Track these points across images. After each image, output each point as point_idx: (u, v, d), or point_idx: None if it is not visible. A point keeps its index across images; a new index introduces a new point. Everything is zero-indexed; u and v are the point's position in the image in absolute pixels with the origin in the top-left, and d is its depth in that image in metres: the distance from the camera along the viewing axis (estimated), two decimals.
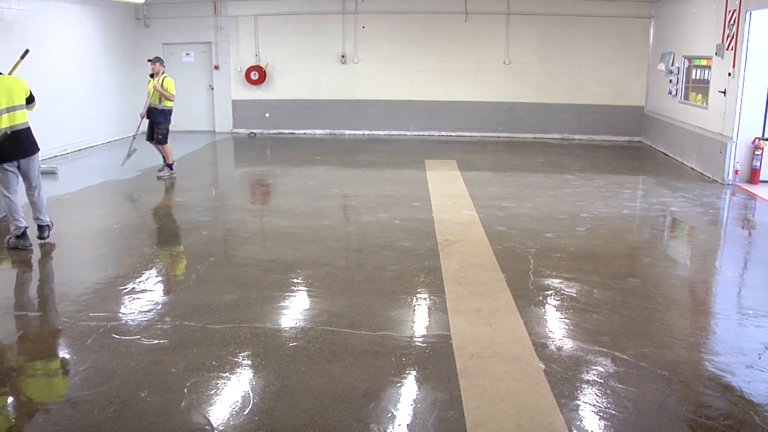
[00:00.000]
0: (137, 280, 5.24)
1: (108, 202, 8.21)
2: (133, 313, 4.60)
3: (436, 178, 9.42)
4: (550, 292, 5.00)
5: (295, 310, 4.72)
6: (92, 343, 4.09)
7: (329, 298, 4.89)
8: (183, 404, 3.39)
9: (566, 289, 5.05)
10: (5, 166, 5.85)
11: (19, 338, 4.26)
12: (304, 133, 14.13)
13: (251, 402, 3.41)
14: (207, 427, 3.19)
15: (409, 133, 14.09)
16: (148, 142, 9.42)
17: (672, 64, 11.63)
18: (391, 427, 3.19)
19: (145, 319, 4.48)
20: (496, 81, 13.74)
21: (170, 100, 9.22)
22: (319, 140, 13.51)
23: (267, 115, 14.13)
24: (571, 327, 4.38)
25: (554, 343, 4.12)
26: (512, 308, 4.64)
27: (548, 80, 13.61)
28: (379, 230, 6.72)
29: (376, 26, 13.71)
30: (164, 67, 9.41)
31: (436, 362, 3.83)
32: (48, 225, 6.27)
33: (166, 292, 5.06)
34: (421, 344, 4.09)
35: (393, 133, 14.19)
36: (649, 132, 13.06)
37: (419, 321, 4.52)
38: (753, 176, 9.21)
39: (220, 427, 3.19)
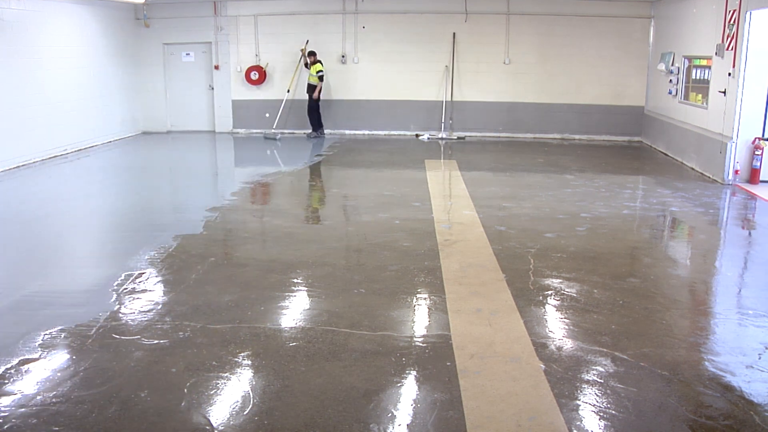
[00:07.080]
0: (137, 280, 5.24)
1: (108, 201, 8.22)
2: (133, 313, 4.60)
3: (436, 178, 9.42)
4: (550, 292, 5.00)
5: (295, 310, 4.72)
6: (92, 343, 4.09)
7: (329, 298, 4.89)
8: (183, 404, 3.39)
9: (566, 289, 5.05)
10: None
11: (20, 337, 4.25)
12: (304, 134, 14.12)
13: (251, 402, 3.41)
14: (207, 427, 3.19)
15: (409, 133, 14.09)
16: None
17: (672, 64, 11.63)
18: (391, 427, 3.19)
19: (145, 319, 4.48)
20: (496, 81, 13.73)
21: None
22: (319, 140, 13.50)
23: (267, 114, 14.12)
24: (571, 327, 4.38)
25: (554, 343, 4.12)
26: (512, 308, 4.64)
27: (548, 80, 13.61)
28: (379, 230, 6.72)
29: (376, 26, 13.71)
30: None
31: (436, 362, 3.83)
32: None
33: (166, 292, 5.06)
34: (421, 344, 4.09)
35: (393, 133, 14.19)
36: (649, 132, 13.06)
37: (419, 321, 4.52)
38: (753, 176, 9.20)
39: (220, 427, 3.19)
